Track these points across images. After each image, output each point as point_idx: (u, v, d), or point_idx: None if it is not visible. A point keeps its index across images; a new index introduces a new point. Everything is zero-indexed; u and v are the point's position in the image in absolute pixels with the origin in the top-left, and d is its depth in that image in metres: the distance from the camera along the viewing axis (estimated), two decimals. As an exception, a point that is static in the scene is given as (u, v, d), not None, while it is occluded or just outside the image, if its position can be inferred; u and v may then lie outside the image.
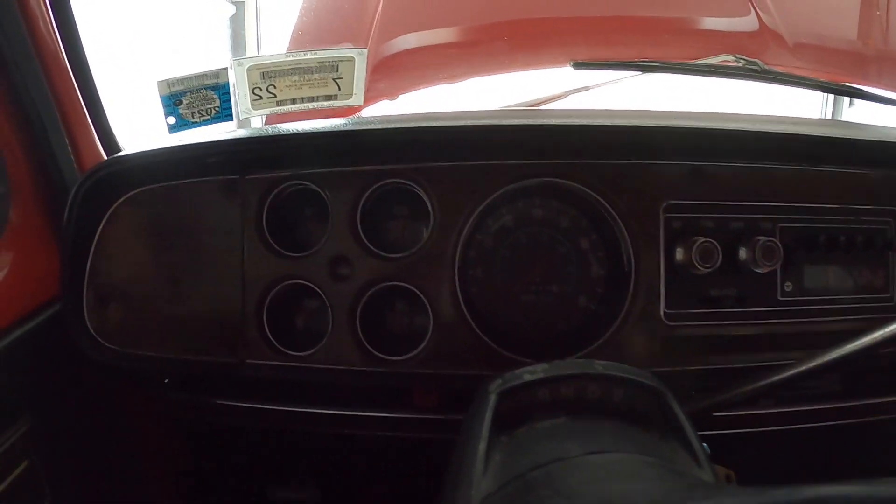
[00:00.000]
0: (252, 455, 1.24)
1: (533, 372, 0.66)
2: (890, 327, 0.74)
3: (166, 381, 1.07)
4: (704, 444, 0.67)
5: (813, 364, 0.77)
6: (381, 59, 1.50)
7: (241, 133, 1.02)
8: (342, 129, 0.95)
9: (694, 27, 1.89)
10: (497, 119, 0.94)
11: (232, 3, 2.46)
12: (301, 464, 1.24)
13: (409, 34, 1.57)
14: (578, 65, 1.20)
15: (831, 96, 2.17)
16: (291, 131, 0.96)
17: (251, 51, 2.48)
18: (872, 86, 1.62)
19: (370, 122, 0.94)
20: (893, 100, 1.42)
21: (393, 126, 0.93)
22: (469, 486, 0.55)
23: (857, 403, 1.05)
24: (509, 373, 0.66)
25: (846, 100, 2.11)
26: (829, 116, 2.20)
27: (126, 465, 1.14)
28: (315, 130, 0.96)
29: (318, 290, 0.94)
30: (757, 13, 1.80)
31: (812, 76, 1.51)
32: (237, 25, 2.45)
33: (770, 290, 0.96)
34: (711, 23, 1.89)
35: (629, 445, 0.58)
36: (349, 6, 1.67)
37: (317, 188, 0.94)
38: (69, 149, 1.00)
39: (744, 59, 1.30)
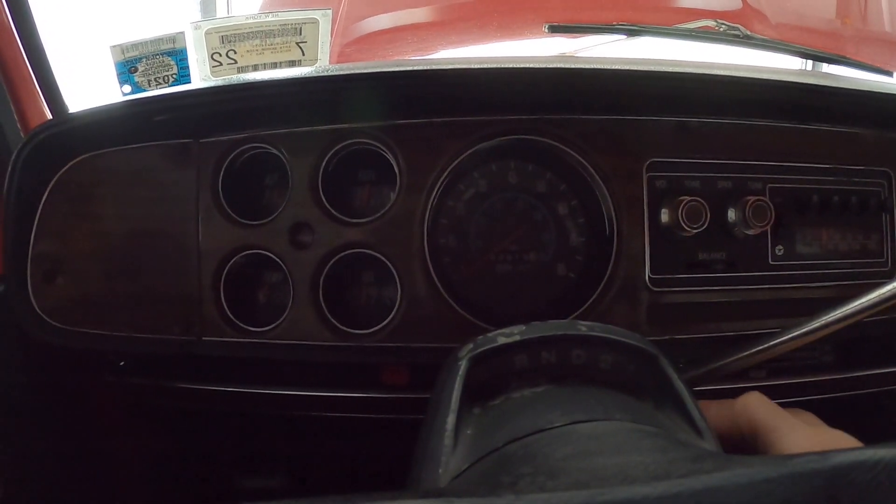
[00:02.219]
0: (217, 441, 1.18)
1: (509, 334, 0.58)
2: (882, 289, 0.69)
3: (122, 363, 1.00)
4: None
5: (805, 329, 0.72)
6: (350, 28, 1.45)
7: (192, 87, 0.95)
8: (302, 77, 0.88)
9: (676, 5, 1.87)
10: (469, 65, 0.88)
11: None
12: (268, 449, 1.18)
13: (380, 7, 1.53)
14: (553, 28, 1.14)
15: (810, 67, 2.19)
16: (244, 82, 0.90)
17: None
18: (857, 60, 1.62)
19: (330, 71, 0.88)
20: (875, 67, 1.39)
21: (353, 73, 0.87)
22: (436, 465, 0.48)
23: (850, 375, 1.00)
24: (481, 336, 0.59)
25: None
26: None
27: (84, 454, 1.07)
28: (272, 80, 0.90)
29: (278, 260, 0.88)
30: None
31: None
32: (207, 7, 2.38)
33: (760, 254, 0.92)
34: (693, 1, 1.88)
35: (621, 413, 0.51)
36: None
37: (275, 150, 0.88)
38: (13, 113, 0.93)
39: (725, 24, 1.26)
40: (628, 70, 0.87)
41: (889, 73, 1.42)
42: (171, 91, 0.91)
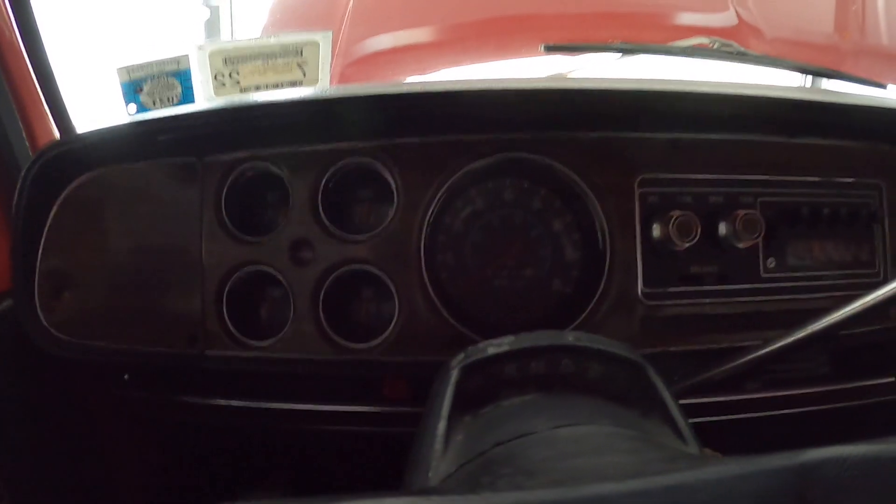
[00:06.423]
0: (220, 454, 1.20)
1: (498, 345, 0.61)
2: (865, 298, 0.71)
3: (126, 376, 1.02)
4: None
5: (794, 338, 0.74)
6: (351, 49, 1.48)
7: (196, 107, 0.98)
8: (302, 98, 0.91)
9: (671, 23, 1.89)
10: (463, 85, 0.90)
11: (207, 6, 2.43)
12: (270, 462, 1.19)
13: (380, 28, 1.56)
14: (550, 48, 1.17)
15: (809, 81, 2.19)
16: (246, 102, 0.92)
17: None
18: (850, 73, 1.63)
19: (330, 91, 0.91)
20: (868, 80, 1.41)
21: (351, 94, 0.89)
22: (426, 469, 0.51)
23: (846, 386, 1.02)
24: (472, 347, 0.62)
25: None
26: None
27: (89, 466, 1.09)
28: (273, 101, 0.93)
29: (279, 276, 0.90)
30: (735, 9, 1.80)
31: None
32: (212, 30, 2.42)
33: (752, 267, 0.93)
34: (689, 18, 1.90)
35: (603, 419, 0.53)
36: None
37: (276, 169, 0.91)
38: (22, 131, 0.95)
39: (719, 41, 1.28)
40: (617, 89, 0.89)
41: (883, 86, 1.43)
42: (175, 111, 0.94)
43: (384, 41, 1.58)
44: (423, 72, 1.56)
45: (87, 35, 2.17)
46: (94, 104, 1.30)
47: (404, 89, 0.91)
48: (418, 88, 0.90)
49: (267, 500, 0.39)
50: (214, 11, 2.48)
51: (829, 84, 1.36)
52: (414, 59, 1.57)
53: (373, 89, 0.90)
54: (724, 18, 1.81)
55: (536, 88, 0.89)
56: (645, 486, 0.36)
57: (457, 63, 1.58)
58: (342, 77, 1.50)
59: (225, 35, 2.46)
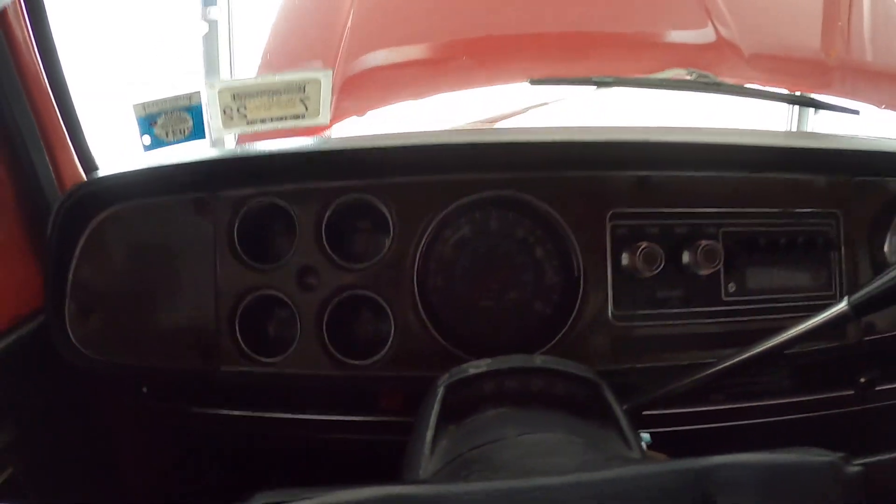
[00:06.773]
0: (228, 460, 1.27)
1: (477, 366, 0.73)
2: (812, 320, 0.80)
3: (144, 389, 1.11)
4: (645, 434, 0.74)
5: (747, 356, 0.82)
6: (348, 78, 1.55)
7: (211, 154, 1.06)
8: (305, 149, 1.00)
9: (651, 41, 1.93)
10: (454, 138, 0.99)
11: (205, 21, 2.50)
12: (275, 467, 1.27)
13: (375, 54, 1.62)
14: (535, 81, 1.25)
15: (797, 108, 2.23)
16: (258, 152, 1.02)
17: (224, 68, 2.53)
18: (828, 94, 1.68)
19: (332, 143, 1.00)
20: (844, 107, 1.48)
21: (352, 146, 0.98)
22: (417, 469, 0.62)
23: (806, 398, 1.10)
24: (456, 368, 0.73)
25: (811, 110, 2.15)
26: (794, 127, 2.25)
27: (108, 474, 1.17)
28: (280, 151, 1.02)
29: (287, 300, 0.99)
30: (714, 25, 1.85)
31: (768, 87, 1.58)
32: (210, 44, 2.49)
33: (714, 291, 1.02)
34: (669, 36, 1.93)
35: (560, 428, 0.66)
36: (318, 27, 1.72)
37: (284, 203, 0.99)
38: (49, 168, 1.03)
39: (696, 72, 1.36)
40: (590, 141, 0.98)
41: (856, 112, 1.50)
42: (191, 159, 1.04)
43: (379, 70, 1.64)
44: (417, 97, 1.63)
45: (86, 51, 2.22)
46: (95, 116, 1.37)
47: (397, 143, 1.00)
48: (409, 143, 1.00)
49: (285, 489, 0.49)
50: (213, 26, 2.55)
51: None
52: (407, 87, 1.63)
53: (369, 142, 0.99)
54: (702, 35, 1.84)
55: (517, 142, 0.98)
56: (579, 479, 0.47)
57: (449, 89, 1.65)
58: (338, 103, 1.56)
59: (223, 49, 2.54)
